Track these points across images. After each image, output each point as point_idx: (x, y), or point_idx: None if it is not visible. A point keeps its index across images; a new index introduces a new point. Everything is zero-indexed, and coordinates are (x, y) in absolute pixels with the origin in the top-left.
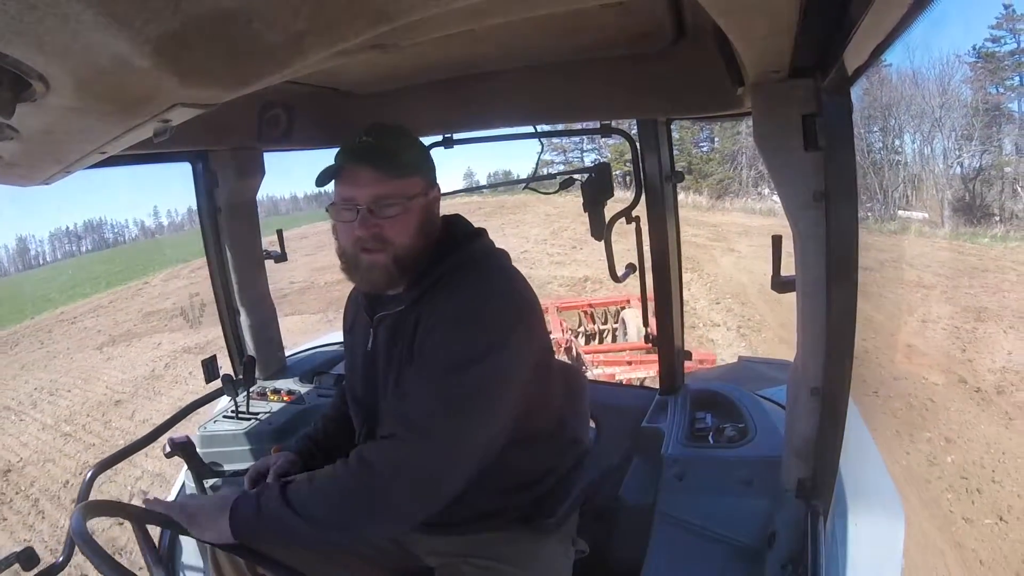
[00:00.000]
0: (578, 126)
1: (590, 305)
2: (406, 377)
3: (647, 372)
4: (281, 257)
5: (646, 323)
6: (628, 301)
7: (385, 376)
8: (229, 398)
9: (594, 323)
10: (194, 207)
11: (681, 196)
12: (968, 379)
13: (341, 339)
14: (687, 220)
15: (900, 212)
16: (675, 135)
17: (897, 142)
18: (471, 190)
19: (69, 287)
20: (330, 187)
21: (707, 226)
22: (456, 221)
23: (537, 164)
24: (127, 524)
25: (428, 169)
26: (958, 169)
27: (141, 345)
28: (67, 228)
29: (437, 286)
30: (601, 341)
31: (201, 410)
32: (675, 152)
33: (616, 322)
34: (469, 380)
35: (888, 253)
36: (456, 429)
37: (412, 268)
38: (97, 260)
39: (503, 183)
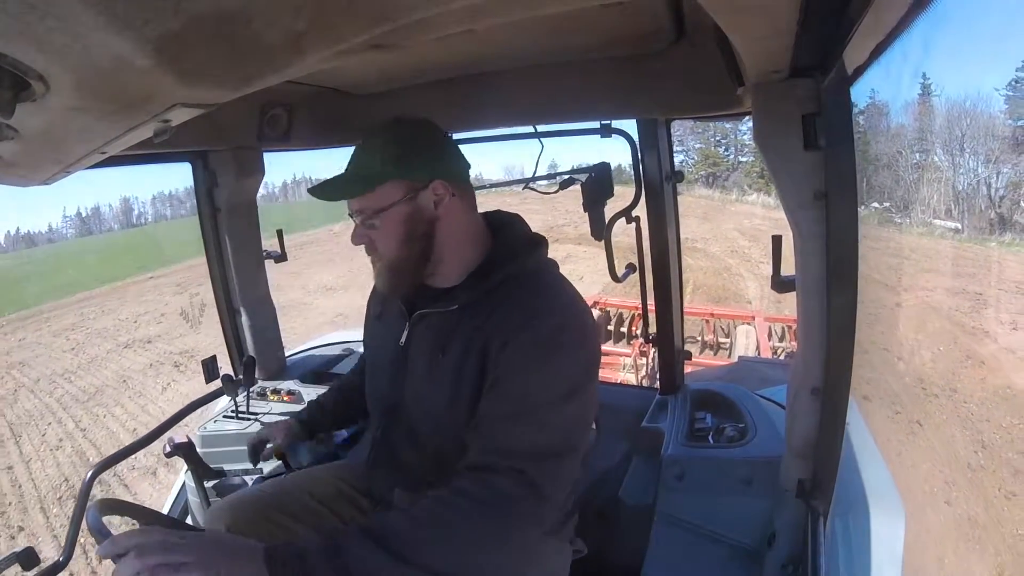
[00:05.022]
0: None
1: (712, 315)
2: (462, 391)
3: None
4: (281, 257)
5: (646, 323)
6: (753, 318)
7: (420, 374)
8: (229, 398)
9: (714, 334)
10: (290, 180)
11: (753, 196)
12: (895, 287)
13: (341, 339)
14: (755, 215)
15: (935, 221)
16: (752, 144)
17: (936, 160)
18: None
19: None
20: None
21: (771, 220)
22: (512, 221)
23: (537, 164)
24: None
25: (415, 168)
26: (984, 189)
27: None
28: (169, 192)
29: (495, 294)
30: (716, 353)
31: (201, 410)
32: (751, 158)
33: (729, 336)
34: (568, 414)
35: (897, 243)
36: (557, 466)
37: (410, 276)
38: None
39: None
